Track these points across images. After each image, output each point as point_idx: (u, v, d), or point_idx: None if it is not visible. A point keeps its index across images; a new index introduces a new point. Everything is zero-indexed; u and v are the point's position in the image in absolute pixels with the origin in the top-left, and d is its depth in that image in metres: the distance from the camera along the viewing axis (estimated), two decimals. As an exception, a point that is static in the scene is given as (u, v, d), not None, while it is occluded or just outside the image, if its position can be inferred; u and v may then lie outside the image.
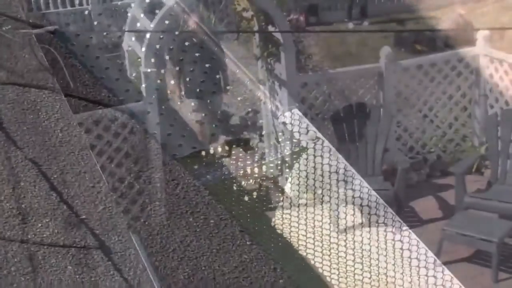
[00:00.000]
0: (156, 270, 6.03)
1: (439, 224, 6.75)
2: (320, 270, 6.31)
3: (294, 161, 7.27)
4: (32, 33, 5.09)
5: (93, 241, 2.58)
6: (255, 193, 7.85)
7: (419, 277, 5.92)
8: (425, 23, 13.14)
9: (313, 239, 6.67)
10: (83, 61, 7.30)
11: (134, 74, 8.08)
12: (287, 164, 7.42)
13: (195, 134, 9.02)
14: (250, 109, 9.68)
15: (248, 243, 6.64)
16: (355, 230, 6.86)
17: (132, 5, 7.98)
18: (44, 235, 2.53)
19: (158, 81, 8.33)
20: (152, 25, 6.83)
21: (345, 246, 6.48)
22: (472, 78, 8.06)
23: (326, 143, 6.85)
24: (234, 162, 8.48)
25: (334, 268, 6.27)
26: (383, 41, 11.18)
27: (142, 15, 7.50)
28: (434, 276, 5.80)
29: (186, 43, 8.58)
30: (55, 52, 4.83)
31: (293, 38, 7.47)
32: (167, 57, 8.78)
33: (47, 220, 2.64)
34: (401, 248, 6.12)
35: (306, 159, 6.92)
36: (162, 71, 8.77)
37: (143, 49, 6.76)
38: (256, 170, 8.16)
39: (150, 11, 7.99)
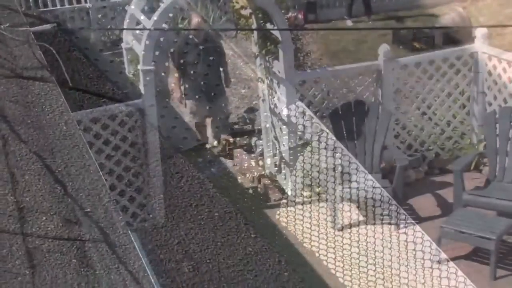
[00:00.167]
0: (161, 263, 6.05)
1: (437, 222, 6.76)
2: (325, 263, 6.33)
3: (298, 154, 7.28)
4: (31, 31, 5.09)
5: (97, 235, 2.58)
6: (259, 187, 7.87)
7: (424, 270, 5.95)
8: (424, 20, 13.15)
9: (318, 232, 6.69)
10: (83, 59, 7.31)
11: (132, 72, 8.08)
12: (291, 157, 7.42)
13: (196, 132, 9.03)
14: (248, 107, 9.70)
15: (252, 236, 6.66)
16: (359, 224, 6.89)
17: (132, 3, 7.97)
18: (49, 229, 2.54)
19: (158, 80, 8.35)
20: (150, 23, 6.82)
21: (349, 239, 6.51)
22: (470, 75, 8.07)
23: (330, 135, 6.86)
24: (237, 156, 8.49)
25: (339, 261, 6.29)
26: (382, 38, 11.20)
27: (140, 13, 7.50)
28: (439, 269, 5.82)
29: (186, 42, 8.58)
30: (54, 50, 4.82)
31: (291, 36, 7.46)
32: (166, 55, 8.78)
33: (51, 213, 2.64)
34: (406, 241, 6.15)
35: (311, 151, 6.94)
36: (162, 70, 8.79)
37: (142, 47, 6.75)
38: (260, 164, 8.18)
39: (149, 9, 7.99)
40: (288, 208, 7.10)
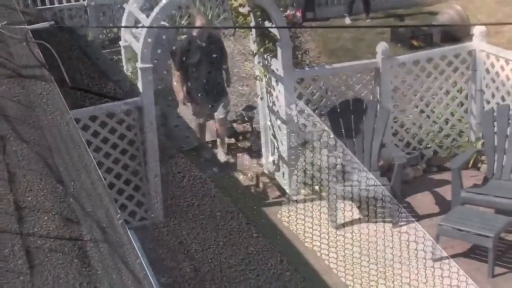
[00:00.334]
0: (162, 263, 6.05)
1: (435, 219, 6.77)
2: (327, 262, 6.33)
3: (300, 153, 7.28)
4: (28, 29, 5.08)
5: (99, 234, 2.59)
6: (260, 186, 7.88)
7: (425, 269, 5.96)
8: (422, 18, 13.16)
9: (319, 231, 6.70)
10: (81, 57, 7.30)
11: (131, 70, 8.07)
12: (290, 156, 7.42)
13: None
14: (246, 105, 9.69)
15: (254, 235, 6.66)
16: (360, 222, 6.90)
17: (130, 1, 7.96)
18: (50, 228, 2.54)
19: (160, 78, 8.34)
20: (149, 20, 6.81)
21: (351, 238, 6.51)
22: (468, 73, 8.07)
23: (332, 134, 6.87)
24: (237, 155, 8.50)
25: (340, 260, 6.29)
26: (380, 36, 11.22)
27: (139, 11, 7.49)
28: (441, 268, 5.83)
29: (189, 43, 8.55)
30: (52, 48, 4.82)
31: (289, 34, 7.45)
32: (168, 53, 8.77)
33: (53, 213, 2.64)
34: (408, 240, 6.16)
35: (312, 151, 6.95)
36: (165, 68, 8.78)
37: (140, 44, 6.74)
38: (261, 163, 8.19)
39: (147, 7, 7.99)
40: (290, 208, 7.10)
